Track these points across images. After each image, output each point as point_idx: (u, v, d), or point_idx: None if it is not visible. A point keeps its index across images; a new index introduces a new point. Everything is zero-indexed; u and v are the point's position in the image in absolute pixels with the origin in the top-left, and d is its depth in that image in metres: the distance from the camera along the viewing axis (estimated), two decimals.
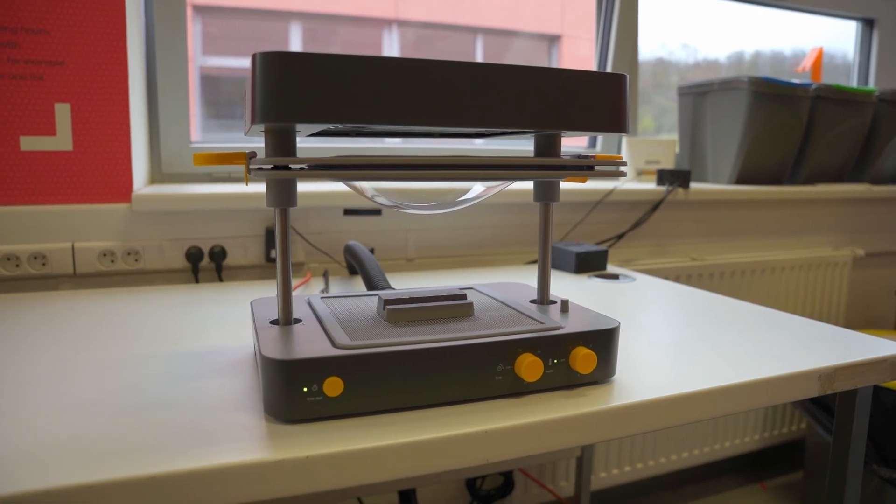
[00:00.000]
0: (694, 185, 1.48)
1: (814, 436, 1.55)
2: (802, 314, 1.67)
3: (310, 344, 0.50)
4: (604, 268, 1.17)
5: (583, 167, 0.58)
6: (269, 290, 0.98)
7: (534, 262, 1.31)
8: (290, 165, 0.51)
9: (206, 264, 1.12)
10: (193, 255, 1.10)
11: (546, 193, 0.64)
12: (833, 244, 1.78)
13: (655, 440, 1.49)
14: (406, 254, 1.24)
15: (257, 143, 1.34)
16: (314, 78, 0.45)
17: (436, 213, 0.63)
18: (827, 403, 1.45)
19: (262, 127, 0.51)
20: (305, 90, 0.45)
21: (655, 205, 1.44)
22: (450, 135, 0.66)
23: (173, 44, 1.19)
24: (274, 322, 0.57)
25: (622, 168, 0.60)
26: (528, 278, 1.09)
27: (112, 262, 1.07)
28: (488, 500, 1.30)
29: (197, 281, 1.11)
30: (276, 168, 0.50)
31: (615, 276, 1.10)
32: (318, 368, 0.47)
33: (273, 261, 1.13)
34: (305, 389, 0.47)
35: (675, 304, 0.91)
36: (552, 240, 0.65)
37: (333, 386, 0.47)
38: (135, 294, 0.95)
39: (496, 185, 0.60)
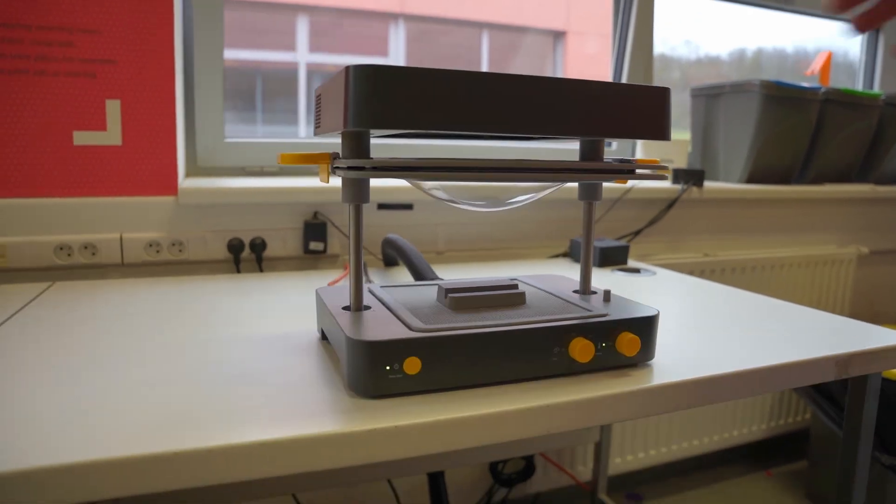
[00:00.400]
0: (707, 184, 1.54)
1: (818, 425, 1.61)
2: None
3: (388, 327, 0.56)
4: (625, 262, 1.22)
5: (627, 171, 0.64)
6: (309, 280, 1.04)
7: (557, 255, 1.37)
8: (367, 166, 0.56)
9: (246, 255, 1.17)
10: (235, 247, 1.15)
11: (590, 193, 0.70)
12: (839, 242, 1.84)
13: (669, 428, 1.55)
14: (436, 247, 1.29)
15: (274, 138, 1.39)
16: (403, 89, 0.50)
17: (488, 210, 0.68)
18: (831, 393, 1.52)
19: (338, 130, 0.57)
20: (395, 100, 0.50)
21: (671, 203, 1.50)
22: (498, 136, 0.71)
23: (211, 39, 1.23)
24: (346, 308, 0.63)
25: (661, 172, 0.66)
26: (553, 271, 1.15)
27: (157, 252, 1.12)
28: (510, 483, 1.36)
29: (238, 271, 1.16)
30: (356, 168, 0.55)
31: (636, 270, 1.16)
32: (399, 349, 0.53)
33: (311, 252, 1.19)
34: (388, 368, 0.53)
35: (695, 297, 0.96)
36: (594, 235, 0.71)
37: (412, 365, 0.53)
38: (181, 283, 1.00)
39: (552, 186, 0.65)
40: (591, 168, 0.62)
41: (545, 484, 1.43)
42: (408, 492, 1.33)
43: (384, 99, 0.50)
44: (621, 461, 1.49)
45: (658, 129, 0.61)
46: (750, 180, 1.63)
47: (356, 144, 0.58)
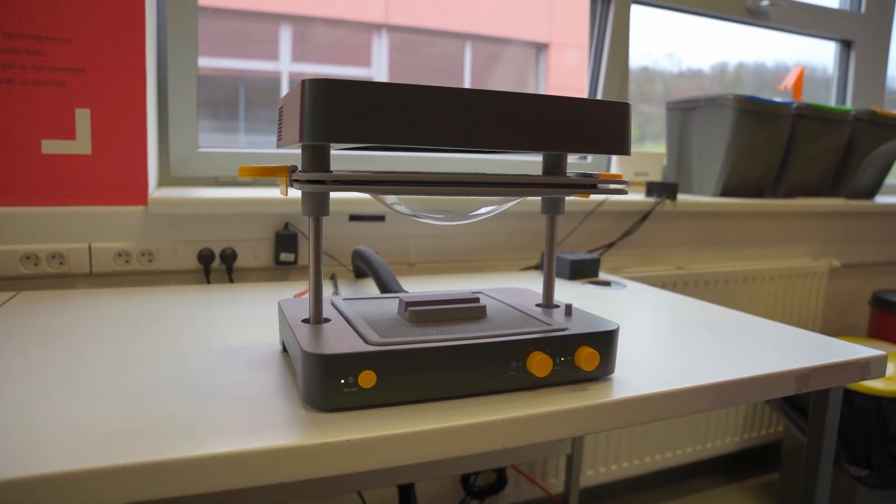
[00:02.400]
0: (681, 197, 1.55)
1: (790, 438, 1.63)
2: (781, 321, 1.74)
3: (344, 340, 0.55)
4: (596, 275, 1.23)
5: (589, 185, 0.64)
6: (279, 291, 1.03)
7: (528, 268, 1.37)
8: (325, 179, 0.56)
9: (217, 266, 1.16)
10: (205, 257, 1.14)
11: (553, 207, 0.70)
12: (811, 255, 1.86)
13: (641, 440, 1.55)
14: (407, 259, 1.29)
15: (258, 149, 1.39)
16: (358, 103, 0.50)
17: (450, 224, 0.68)
18: (802, 406, 1.53)
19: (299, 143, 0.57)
20: (350, 114, 0.50)
21: (644, 215, 1.51)
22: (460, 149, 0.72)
23: (184, 49, 1.23)
24: (305, 321, 0.62)
25: (623, 186, 0.66)
26: (523, 283, 1.15)
27: (127, 262, 1.11)
28: (481, 495, 1.36)
29: (208, 282, 1.15)
30: (314, 182, 0.55)
31: (607, 283, 1.17)
32: (354, 363, 0.53)
33: (282, 263, 1.18)
34: (342, 381, 0.53)
35: (664, 310, 0.97)
36: (557, 249, 0.71)
37: (367, 378, 0.53)
38: (150, 293, 0.99)
39: (510, 201, 0.66)
40: (552, 182, 0.63)
41: (517, 496, 1.43)
42: (379, 501, 1.32)
43: (340, 113, 0.50)
44: (594, 473, 1.49)
45: (618, 144, 0.61)
46: (724, 194, 1.65)
47: (315, 157, 0.58)
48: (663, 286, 1.51)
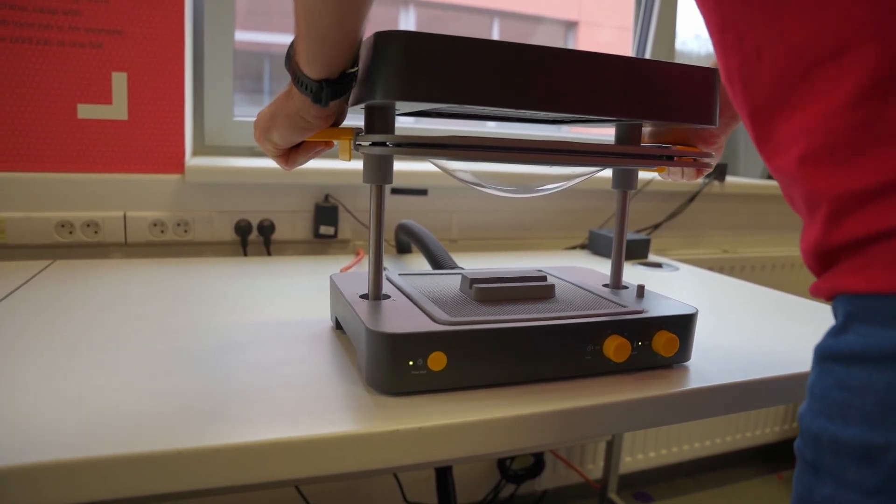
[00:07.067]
0: (729, 179, 1.49)
1: None
2: None
3: (411, 319, 0.51)
4: (645, 256, 1.18)
5: (668, 157, 0.59)
6: (318, 265, 1.00)
7: (573, 247, 1.32)
8: (388, 142, 0.51)
9: (254, 238, 1.13)
10: (242, 229, 1.11)
11: (625, 181, 0.65)
12: None
13: (680, 428, 1.51)
14: (450, 235, 1.25)
15: None
16: (437, 58, 0.45)
17: (518, 196, 0.64)
18: None
19: (361, 105, 0.52)
20: (427, 71, 0.45)
21: (692, 196, 1.45)
22: (523, 120, 0.67)
23: (222, 17, 1.19)
24: (363, 296, 0.58)
25: (709, 159, 0.61)
26: (572, 262, 1.10)
27: (162, 232, 1.08)
28: (518, 479, 1.33)
29: (245, 254, 1.12)
30: (382, 144, 0.51)
31: (658, 265, 1.12)
32: (424, 343, 0.49)
33: (321, 236, 1.14)
34: (411, 363, 0.49)
35: (724, 294, 0.92)
36: (627, 227, 0.66)
37: (437, 360, 0.49)
38: (185, 265, 0.96)
39: (586, 172, 0.61)
40: (636, 153, 0.58)
41: (554, 481, 1.40)
42: (413, 483, 1.29)
43: (416, 69, 0.46)
44: (631, 460, 1.45)
45: (706, 112, 0.56)
46: (771, 176, 1.58)
47: (380, 120, 0.53)
48: (709, 269, 1.46)
